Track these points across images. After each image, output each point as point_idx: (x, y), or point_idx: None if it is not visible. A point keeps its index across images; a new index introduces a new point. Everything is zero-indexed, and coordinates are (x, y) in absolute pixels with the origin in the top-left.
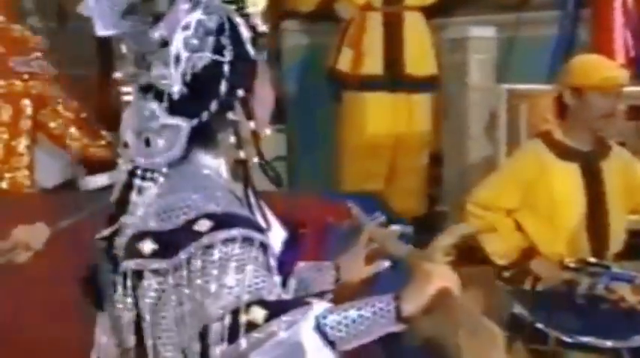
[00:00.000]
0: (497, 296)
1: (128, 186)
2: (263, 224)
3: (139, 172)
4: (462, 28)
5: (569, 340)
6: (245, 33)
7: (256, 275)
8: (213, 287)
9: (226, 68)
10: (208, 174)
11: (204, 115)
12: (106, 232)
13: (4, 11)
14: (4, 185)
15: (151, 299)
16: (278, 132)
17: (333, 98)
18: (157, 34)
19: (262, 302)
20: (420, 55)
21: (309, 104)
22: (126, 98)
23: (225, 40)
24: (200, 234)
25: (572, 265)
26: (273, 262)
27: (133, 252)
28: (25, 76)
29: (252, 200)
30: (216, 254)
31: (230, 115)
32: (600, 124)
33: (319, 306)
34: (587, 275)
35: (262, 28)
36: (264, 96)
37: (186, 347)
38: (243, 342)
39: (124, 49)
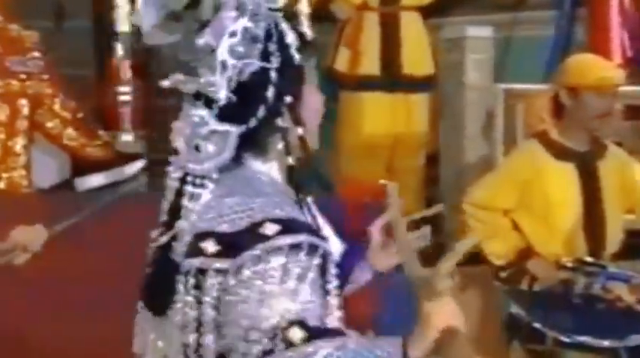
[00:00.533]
0: (495, 296)
1: (179, 193)
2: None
3: (189, 179)
4: (458, 27)
5: (566, 340)
6: (291, 39)
7: (312, 291)
8: (273, 289)
9: (273, 75)
10: (263, 179)
11: (252, 121)
12: (163, 239)
13: (1, 11)
14: (2, 185)
15: (212, 298)
16: None
17: (330, 98)
18: (202, 41)
19: (303, 324)
20: (417, 54)
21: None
22: (122, 98)
23: (272, 47)
24: (267, 238)
25: (568, 265)
26: (333, 270)
27: (195, 251)
28: (22, 76)
29: (306, 206)
30: (282, 258)
31: (279, 122)
32: (596, 124)
33: (352, 341)
34: (583, 274)
35: (309, 34)
36: (312, 102)
37: (232, 345)
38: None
39: (168, 56)
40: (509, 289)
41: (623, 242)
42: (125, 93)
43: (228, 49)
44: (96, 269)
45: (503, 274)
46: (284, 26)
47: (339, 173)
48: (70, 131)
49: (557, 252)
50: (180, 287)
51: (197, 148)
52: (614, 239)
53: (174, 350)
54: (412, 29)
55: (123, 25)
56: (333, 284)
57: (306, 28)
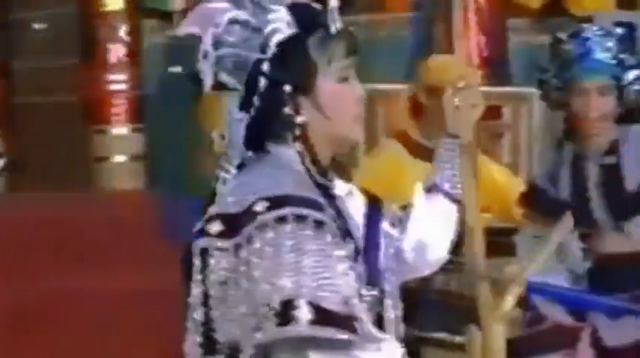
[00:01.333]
0: None
1: (217, 179)
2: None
3: (223, 164)
4: None
5: (424, 336)
6: (294, 31)
7: (316, 262)
8: (269, 265)
9: (265, 66)
10: (283, 163)
11: (252, 110)
12: (198, 225)
13: None
14: None
15: (217, 276)
16: (137, 132)
17: (193, 98)
18: (184, 30)
19: (313, 305)
20: None
21: (170, 103)
22: (113, 87)
23: (270, 39)
24: (256, 214)
25: None
26: (336, 238)
27: (203, 232)
28: None
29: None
30: (269, 232)
31: (286, 110)
32: None
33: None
34: (441, 271)
35: (335, 28)
36: (334, 92)
37: (241, 323)
38: (281, 331)
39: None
40: None
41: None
42: (117, 81)
43: (212, 39)
44: None
45: None
46: (287, 18)
47: (202, 174)
48: None
49: None
50: (193, 267)
51: (223, 137)
52: None
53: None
54: None
55: None
56: (338, 253)
57: (332, 21)
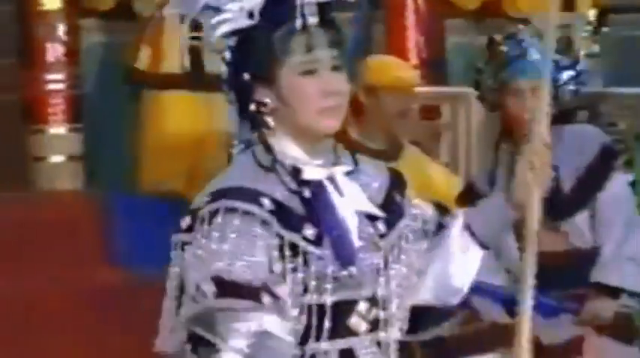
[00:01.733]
0: None
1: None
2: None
3: None
4: None
5: None
6: (259, 20)
7: (235, 247)
8: (201, 254)
9: (227, 54)
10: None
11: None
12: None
13: None
14: None
15: (180, 267)
16: (75, 132)
17: (132, 97)
18: (169, 11)
19: (217, 279)
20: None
21: (109, 103)
22: (51, 86)
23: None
24: (200, 209)
25: None
26: (268, 228)
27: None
28: None
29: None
30: (205, 225)
31: (251, 99)
32: (394, 124)
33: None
34: None
35: (311, 20)
36: (295, 85)
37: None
38: (192, 307)
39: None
40: None
41: None
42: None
43: (191, 23)
44: None
45: None
46: (250, 7)
47: (142, 174)
48: None
49: None
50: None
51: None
52: None
53: None
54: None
55: None
56: (261, 243)
57: (301, 16)
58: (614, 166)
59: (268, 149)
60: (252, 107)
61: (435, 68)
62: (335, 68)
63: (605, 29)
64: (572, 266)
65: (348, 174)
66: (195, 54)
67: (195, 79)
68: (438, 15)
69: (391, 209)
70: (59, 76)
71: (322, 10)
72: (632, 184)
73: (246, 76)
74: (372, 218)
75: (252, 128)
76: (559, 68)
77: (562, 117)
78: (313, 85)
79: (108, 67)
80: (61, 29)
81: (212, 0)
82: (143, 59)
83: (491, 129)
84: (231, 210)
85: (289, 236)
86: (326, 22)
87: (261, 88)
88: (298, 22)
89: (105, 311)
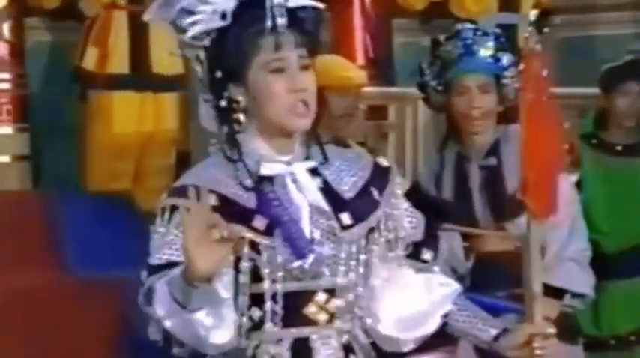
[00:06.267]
0: None
1: None
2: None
3: None
4: None
5: None
6: (231, 21)
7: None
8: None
9: (201, 53)
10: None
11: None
12: None
13: None
14: None
15: None
16: (21, 132)
17: (78, 97)
18: (150, 16)
19: (147, 265)
20: (166, 54)
21: (55, 103)
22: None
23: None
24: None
25: None
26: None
27: None
28: None
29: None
30: (157, 220)
31: (224, 96)
32: (340, 124)
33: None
34: None
35: (281, 22)
36: (263, 83)
37: None
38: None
39: None
40: None
41: None
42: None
43: (171, 24)
44: None
45: None
46: (223, 9)
47: (89, 174)
48: None
49: None
50: None
51: None
52: None
53: None
54: (161, 29)
55: None
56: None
57: (270, 17)
58: None
59: (234, 144)
60: (223, 103)
61: (382, 68)
62: (303, 67)
63: (546, 30)
64: (516, 266)
65: (315, 169)
66: (143, 54)
67: (142, 79)
68: (385, 15)
69: (363, 201)
70: (5, 76)
71: (292, 13)
72: (578, 184)
73: (219, 74)
74: (336, 210)
75: (221, 123)
76: (503, 66)
77: (507, 116)
78: (281, 83)
79: (54, 66)
80: (5, 28)
81: (187, 4)
82: (89, 59)
83: (437, 129)
84: (175, 207)
85: (234, 227)
86: (295, 23)
87: (234, 86)
88: (268, 23)
89: (51, 312)
